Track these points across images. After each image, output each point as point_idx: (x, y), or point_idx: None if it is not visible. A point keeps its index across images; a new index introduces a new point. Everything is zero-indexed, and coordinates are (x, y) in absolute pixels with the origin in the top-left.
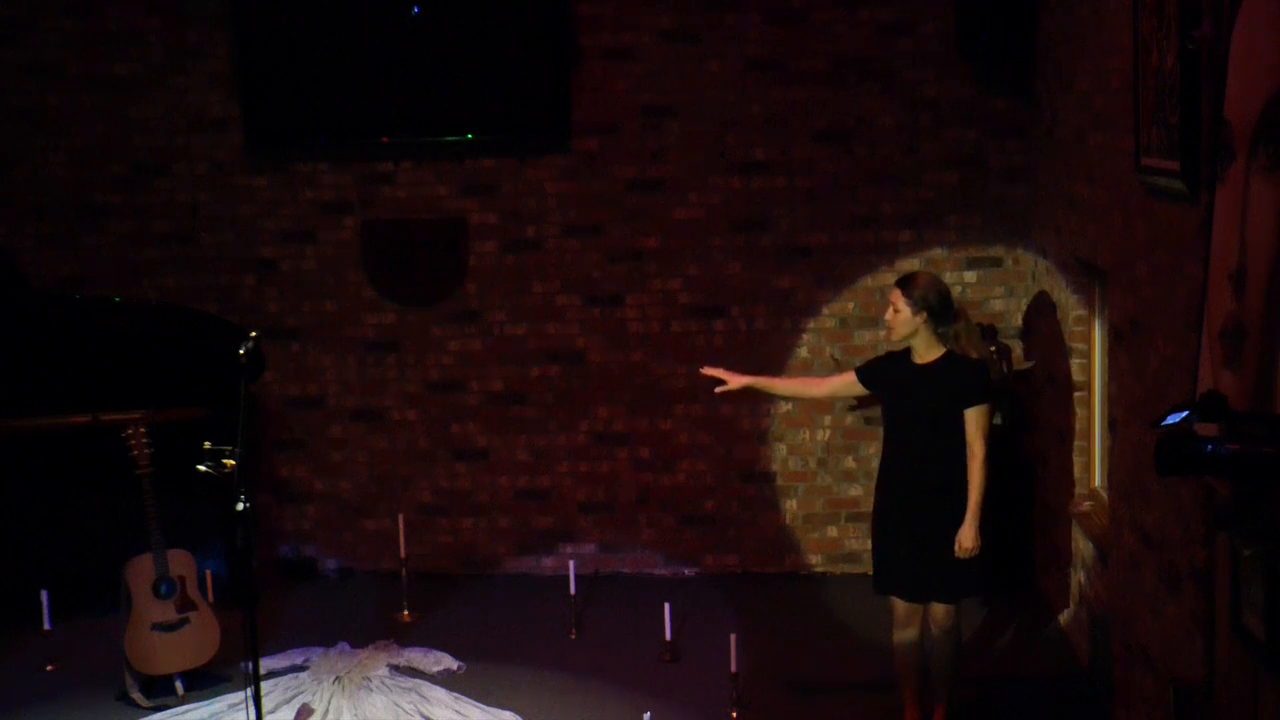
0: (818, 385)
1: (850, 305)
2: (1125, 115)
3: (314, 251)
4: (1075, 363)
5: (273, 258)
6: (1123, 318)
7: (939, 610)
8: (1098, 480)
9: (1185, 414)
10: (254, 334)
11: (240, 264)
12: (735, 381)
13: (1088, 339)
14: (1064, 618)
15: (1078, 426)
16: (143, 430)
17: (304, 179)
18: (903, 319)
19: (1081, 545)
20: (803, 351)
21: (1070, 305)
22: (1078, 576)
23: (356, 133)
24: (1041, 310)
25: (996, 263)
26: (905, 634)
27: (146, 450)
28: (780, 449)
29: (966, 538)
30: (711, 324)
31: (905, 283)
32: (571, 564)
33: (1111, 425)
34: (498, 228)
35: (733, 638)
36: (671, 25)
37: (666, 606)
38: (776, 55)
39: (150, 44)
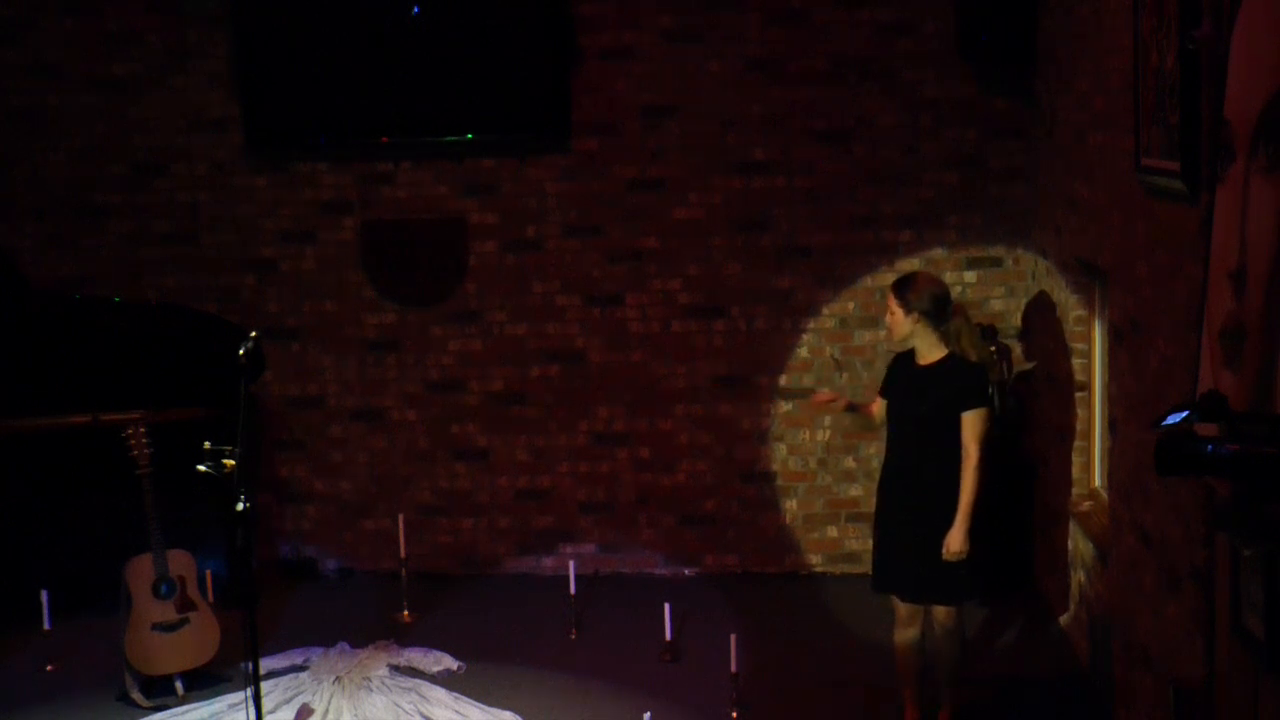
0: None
1: (850, 305)
2: (1125, 115)
3: (314, 251)
4: (1075, 363)
5: (273, 258)
6: (1123, 318)
7: (940, 611)
8: (1098, 480)
9: (1185, 414)
10: (254, 334)
11: (240, 264)
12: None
13: (1088, 339)
14: (1064, 618)
15: (1078, 426)
16: (143, 430)
17: (304, 179)
18: (898, 321)
19: (1081, 545)
20: (803, 351)
21: (1070, 305)
22: (1078, 577)
23: (356, 133)
24: (1041, 310)
25: (997, 263)
26: (906, 634)
27: (146, 450)
28: (780, 449)
29: (954, 540)
30: (711, 324)
31: (900, 285)
32: (571, 564)
33: (1111, 425)
34: (498, 228)
35: (733, 638)
36: (672, 25)
37: (666, 606)
38: (776, 55)
39: (150, 44)
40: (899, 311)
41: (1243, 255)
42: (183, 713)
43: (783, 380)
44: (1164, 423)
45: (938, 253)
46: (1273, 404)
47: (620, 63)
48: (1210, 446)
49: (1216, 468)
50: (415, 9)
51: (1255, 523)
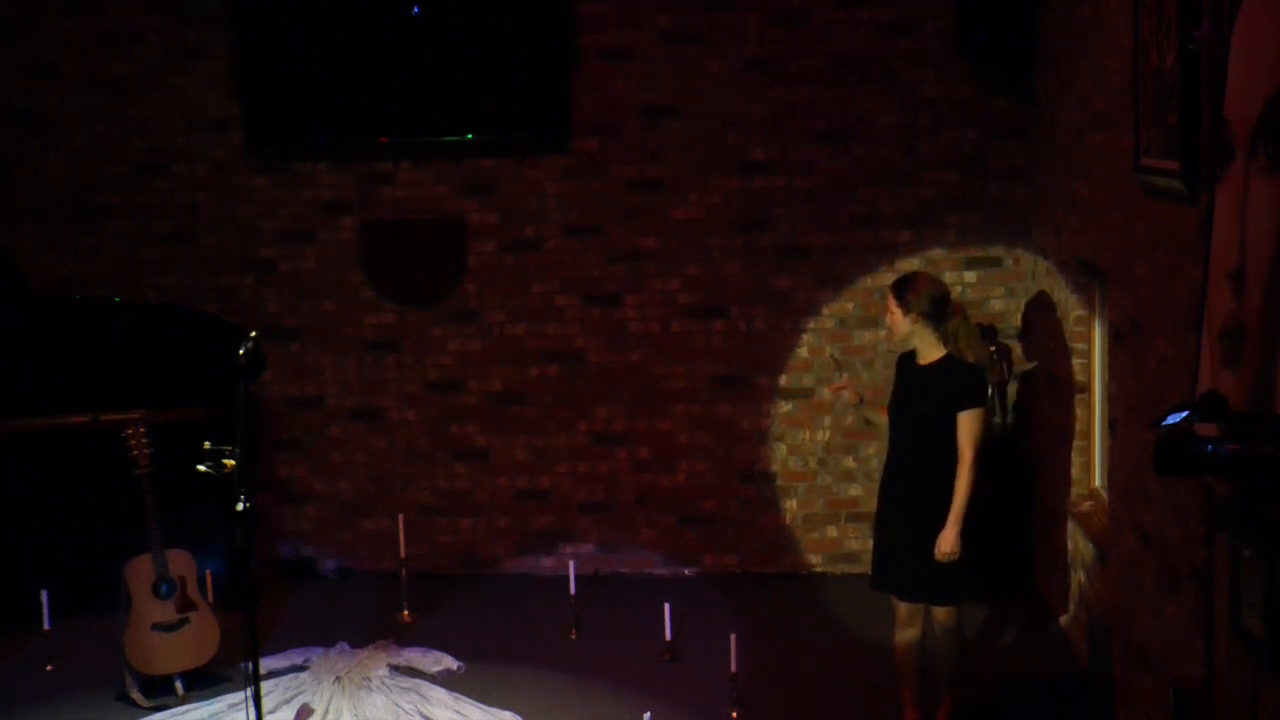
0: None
1: (850, 305)
2: (1125, 115)
3: (313, 251)
4: (1075, 363)
5: (272, 258)
6: (1123, 318)
7: (939, 611)
8: (1097, 480)
9: (1185, 414)
10: (254, 334)
11: (240, 264)
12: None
13: (1087, 339)
14: (1064, 618)
15: (1077, 426)
16: (142, 430)
17: (303, 179)
18: (897, 321)
19: (1081, 545)
20: (803, 352)
21: (1070, 305)
22: (1077, 577)
23: (356, 133)
24: (1041, 310)
25: (996, 263)
26: (906, 634)
27: (146, 450)
28: (780, 449)
29: (945, 541)
30: (711, 324)
31: (898, 286)
32: (571, 564)
33: (1111, 425)
34: (497, 228)
35: (733, 638)
36: (671, 25)
37: (666, 606)
38: (776, 55)
39: (150, 44)
40: (898, 312)
41: (1242, 255)
42: (182, 713)
43: (782, 380)
44: (1164, 423)
45: (937, 253)
46: (1273, 404)
47: (620, 63)
48: (1210, 446)
49: (1216, 468)
50: (415, 9)
51: (1255, 523)
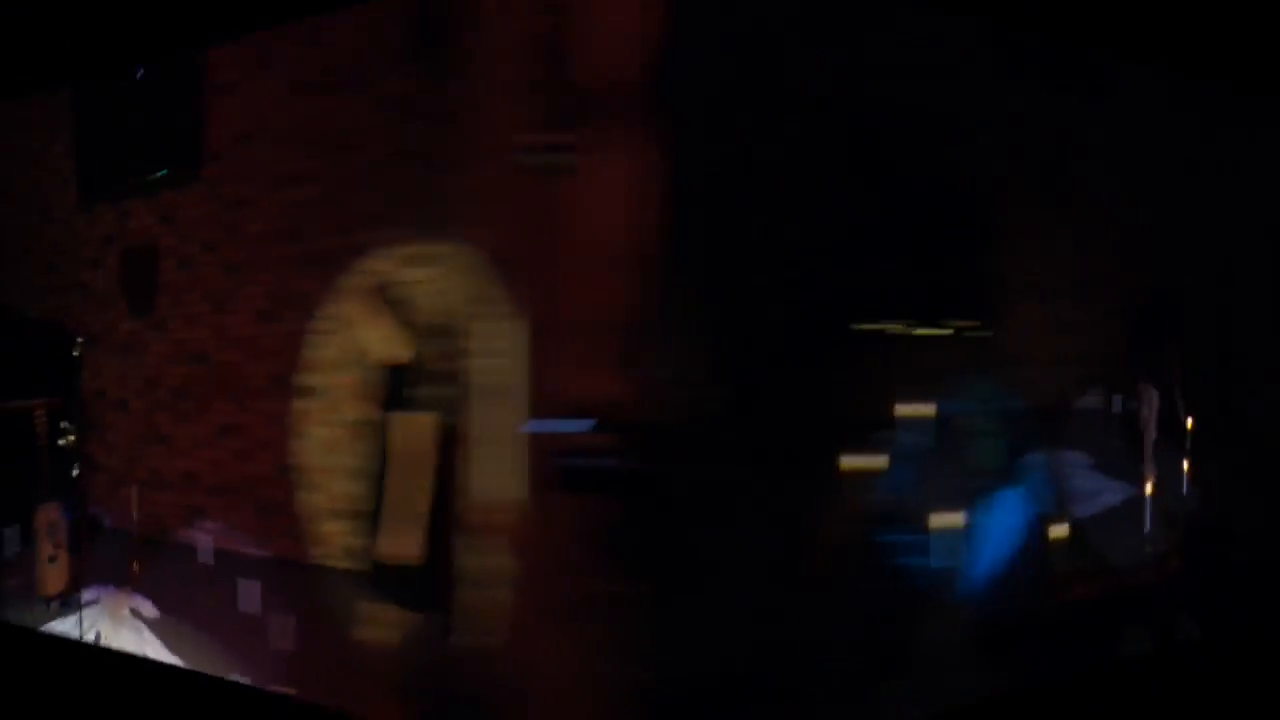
0: None
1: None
2: (512, 91)
3: (102, 274)
4: (486, 362)
5: (87, 280)
6: (518, 310)
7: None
8: (499, 493)
9: (572, 422)
10: (80, 339)
11: (69, 286)
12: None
13: (495, 336)
14: (461, 637)
15: (483, 433)
16: (39, 413)
17: (98, 218)
18: (352, 323)
19: (482, 562)
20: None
21: (485, 300)
22: (477, 595)
23: (121, 176)
24: (467, 307)
25: (430, 260)
26: (372, 633)
27: (44, 428)
28: (304, 444)
29: (389, 545)
30: (271, 327)
31: (352, 291)
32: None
33: (514, 433)
34: (175, 249)
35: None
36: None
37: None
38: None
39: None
40: (352, 315)
41: (625, 237)
42: (58, 623)
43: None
44: (550, 431)
45: (381, 255)
46: (658, 409)
47: (230, 96)
48: (597, 461)
49: (605, 485)
50: (139, 72)
51: (646, 549)
